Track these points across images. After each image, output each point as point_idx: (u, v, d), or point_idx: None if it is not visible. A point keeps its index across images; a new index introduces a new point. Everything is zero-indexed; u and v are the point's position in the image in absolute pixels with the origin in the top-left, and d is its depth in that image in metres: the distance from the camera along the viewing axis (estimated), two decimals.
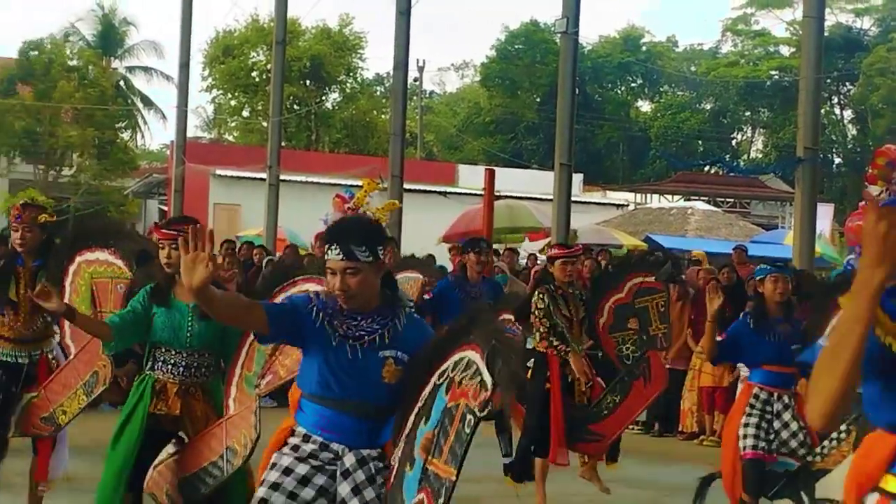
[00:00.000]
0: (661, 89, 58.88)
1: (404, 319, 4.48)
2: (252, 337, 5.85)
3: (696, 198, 35.86)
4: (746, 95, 53.72)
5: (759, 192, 38.84)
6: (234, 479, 5.80)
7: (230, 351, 6.01)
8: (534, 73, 52.79)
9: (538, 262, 17.65)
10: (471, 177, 35.98)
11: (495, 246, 19.23)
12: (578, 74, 20.07)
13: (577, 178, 33.49)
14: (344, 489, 4.34)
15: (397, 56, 20.79)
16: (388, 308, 4.47)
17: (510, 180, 31.44)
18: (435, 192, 33.57)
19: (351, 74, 48.11)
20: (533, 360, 8.72)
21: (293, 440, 4.46)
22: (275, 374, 5.81)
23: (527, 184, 33.94)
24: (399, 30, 20.66)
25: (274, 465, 4.43)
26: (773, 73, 51.60)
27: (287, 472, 4.37)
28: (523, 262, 18.87)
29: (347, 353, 4.34)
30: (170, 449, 5.94)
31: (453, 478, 3.91)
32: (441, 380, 4.20)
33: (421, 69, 54.67)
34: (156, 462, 5.97)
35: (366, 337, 4.37)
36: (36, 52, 42.51)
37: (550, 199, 18.22)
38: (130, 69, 47.45)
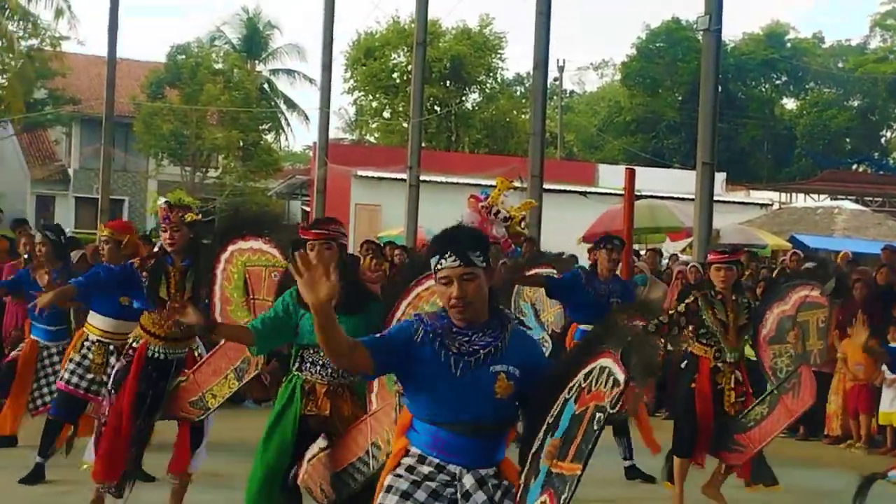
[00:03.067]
0: (807, 86, 57.62)
1: (511, 333, 4.36)
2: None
3: (844, 197, 34.97)
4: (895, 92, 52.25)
5: None
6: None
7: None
8: (675, 71, 52.18)
9: (678, 262, 17.47)
10: (611, 176, 35.75)
11: (636, 246, 19.08)
12: (721, 72, 19.76)
13: (720, 177, 33.04)
14: None
15: (537, 56, 20.75)
16: (496, 321, 4.34)
17: (651, 180, 31.14)
18: (575, 192, 33.43)
19: (491, 75, 48.18)
20: (686, 361, 8.68)
21: (408, 461, 4.33)
22: None
23: (668, 183, 33.59)
24: (539, 29, 20.63)
25: (390, 487, 4.30)
26: None
27: (405, 496, 4.26)
28: (665, 262, 18.68)
29: (459, 371, 4.23)
30: (321, 443, 5.97)
31: (578, 472, 3.86)
32: (570, 394, 4.12)
33: (561, 69, 54.62)
34: (308, 456, 6.03)
35: (480, 352, 4.24)
36: (183, 57, 43.56)
37: (692, 199, 17.98)
38: (274, 72, 48.41)
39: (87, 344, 8.47)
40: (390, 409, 5.88)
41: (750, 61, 54.29)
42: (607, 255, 9.86)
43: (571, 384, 4.13)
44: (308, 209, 38.40)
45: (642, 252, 19.80)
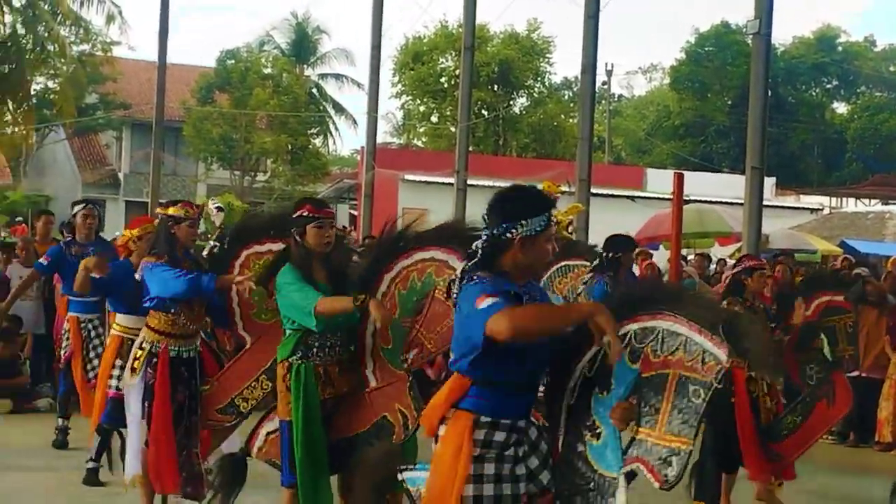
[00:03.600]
0: (858, 90, 57.10)
1: (543, 287, 4.60)
2: (377, 314, 5.81)
3: (895, 202, 34.64)
4: None
5: None
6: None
7: (356, 319, 6.05)
8: (724, 76, 51.86)
9: (727, 266, 17.35)
10: (659, 181, 35.57)
11: (684, 251, 18.96)
12: (771, 76, 19.64)
13: (770, 182, 32.80)
14: (533, 463, 4.38)
15: (585, 60, 20.70)
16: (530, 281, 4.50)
17: (699, 184, 30.95)
18: (623, 196, 33.32)
19: (539, 79, 48.06)
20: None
21: (481, 433, 4.31)
22: (420, 346, 5.83)
23: (717, 187, 33.38)
24: (587, 33, 20.58)
25: (480, 476, 4.29)
26: None
27: (499, 479, 4.30)
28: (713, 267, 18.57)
29: None
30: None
31: (687, 447, 4.00)
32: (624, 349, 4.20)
33: (609, 73, 54.53)
34: (268, 430, 6.26)
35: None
36: (233, 61, 43.83)
37: (741, 204, 17.86)
38: (322, 76, 48.56)
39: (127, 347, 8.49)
40: (403, 384, 5.88)
41: (800, 65, 53.88)
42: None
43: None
44: (356, 213, 38.51)
45: (690, 257, 19.70)
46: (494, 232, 4.38)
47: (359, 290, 5.97)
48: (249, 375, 6.87)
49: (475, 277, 4.29)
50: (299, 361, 6.04)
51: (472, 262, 4.38)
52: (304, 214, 6.13)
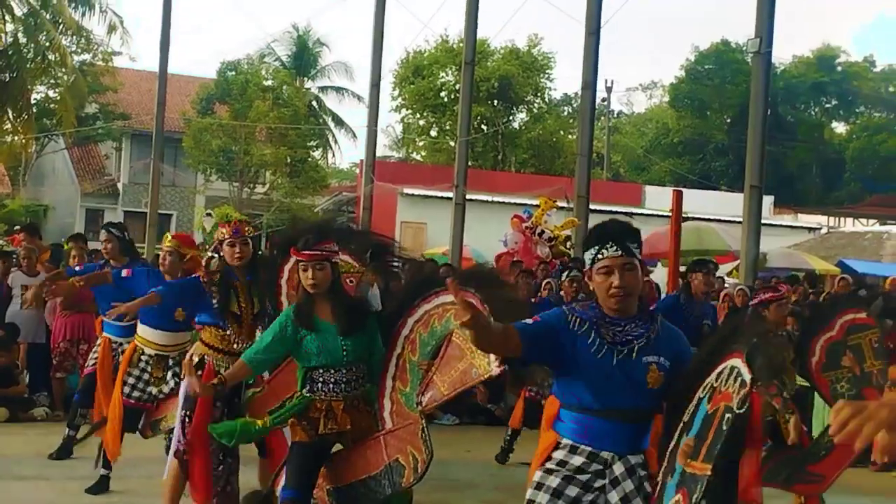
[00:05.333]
0: (857, 110, 57.21)
1: (661, 325, 4.51)
2: (399, 349, 6.00)
3: (893, 222, 34.71)
4: None
5: None
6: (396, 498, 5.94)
7: (377, 360, 6.14)
8: (724, 94, 51.96)
9: (726, 285, 17.38)
10: (657, 198, 35.65)
11: (682, 269, 18.99)
12: (770, 95, 19.69)
13: (768, 201, 32.85)
14: (612, 497, 4.38)
15: (585, 76, 20.77)
16: (645, 314, 4.50)
17: (698, 202, 31.01)
18: (621, 212, 33.32)
19: (538, 95, 48.16)
20: None
21: (559, 454, 4.43)
22: (435, 389, 5.85)
23: (715, 205, 33.43)
24: (588, 50, 20.65)
25: (541, 485, 4.41)
26: None
27: (557, 494, 4.37)
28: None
29: (613, 360, 4.35)
30: None
31: (708, 472, 4.01)
32: (704, 392, 4.28)
33: (609, 89, 54.56)
34: None
35: (634, 342, 4.39)
36: (233, 73, 43.86)
37: (739, 222, 17.91)
38: (323, 89, 48.63)
39: (143, 359, 8.50)
40: (416, 427, 5.89)
41: (800, 84, 53.98)
42: (704, 279, 9.92)
43: (705, 383, 4.30)
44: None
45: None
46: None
47: (385, 331, 6.15)
48: (290, 388, 6.96)
49: (574, 302, 4.50)
50: (308, 395, 6.08)
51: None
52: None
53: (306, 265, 6.02)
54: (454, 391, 5.80)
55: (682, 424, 4.33)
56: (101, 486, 8.67)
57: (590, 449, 4.39)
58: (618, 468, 4.38)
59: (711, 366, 4.29)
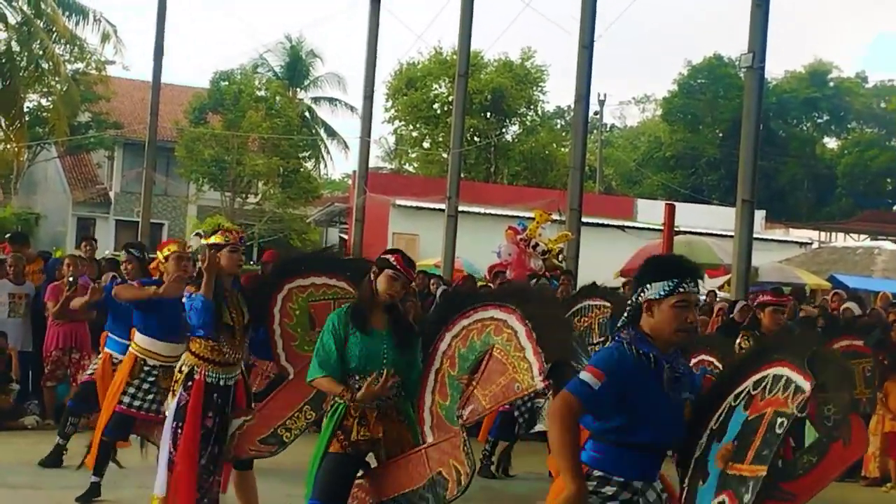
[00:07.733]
0: (849, 126, 57.39)
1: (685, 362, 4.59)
2: (438, 364, 6.09)
3: (884, 237, 34.81)
4: None
5: None
6: None
7: (415, 376, 6.19)
8: (716, 108, 52.12)
9: (717, 298, 17.39)
10: (649, 211, 35.69)
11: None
12: (763, 110, 19.74)
13: (759, 215, 32.89)
14: None
15: (579, 89, 20.78)
16: (676, 351, 4.50)
17: (689, 215, 31.09)
18: (613, 226, 33.40)
19: (531, 107, 48.24)
20: None
21: (590, 484, 4.31)
22: (477, 402, 5.88)
23: (707, 219, 33.52)
24: (581, 63, 20.66)
25: None
26: None
27: None
28: (702, 298, 18.60)
29: (668, 396, 4.35)
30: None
31: (762, 474, 4.13)
32: (737, 401, 4.38)
33: (602, 103, 54.61)
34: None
35: (682, 379, 4.43)
36: (226, 83, 43.83)
37: (731, 236, 17.93)
38: (315, 100, 48.64)
39: (146, 369, 8.47)
40: (457, 440, 5.91)
41: (792, 100, 54.17)
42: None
43: (739, 391, 4.42)
44: (346, 237, 38.51)
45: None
46: (633, 294, 4.47)
47: (423, 345, 6.26)
48: (293, 406, 6.99)
49: (618, 336, 4.40)
50: (340, 402, 6.09)
51: (625, 317, 4.46)
52: (390, 261, 6.24)
53: (396, 275, 6.16)
54: (496, 405, 5.94)
55: (709, 432, 4.43)
56: (91, 495, 8.64)
57: (622, 479, 4.36)
58: (650, 495, 4.41)
59: (746, 377, 4.41)
